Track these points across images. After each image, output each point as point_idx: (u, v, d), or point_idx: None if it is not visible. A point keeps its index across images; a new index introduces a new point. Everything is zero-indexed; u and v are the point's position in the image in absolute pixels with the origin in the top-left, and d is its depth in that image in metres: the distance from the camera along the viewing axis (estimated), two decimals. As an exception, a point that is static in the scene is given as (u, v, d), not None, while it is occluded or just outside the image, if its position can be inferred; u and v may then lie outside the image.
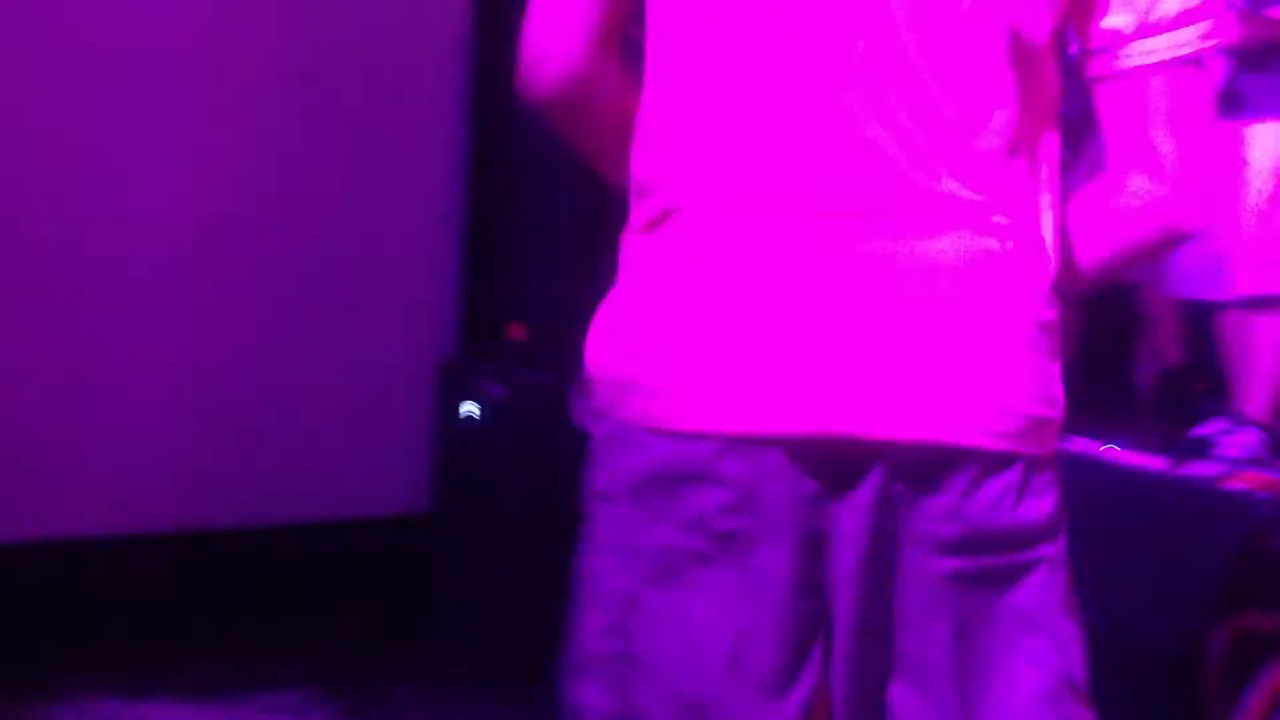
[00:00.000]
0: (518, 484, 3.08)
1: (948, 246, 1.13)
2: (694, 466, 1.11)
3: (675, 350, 1.13)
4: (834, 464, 1.11)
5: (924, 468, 1.12)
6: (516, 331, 3.35)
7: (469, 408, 3.22)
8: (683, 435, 1.11)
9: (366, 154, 3.30)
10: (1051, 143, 1.20)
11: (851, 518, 1.13)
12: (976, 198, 1.12)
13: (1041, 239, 1.17)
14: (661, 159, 1.17)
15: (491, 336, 3.39)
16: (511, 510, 3.09)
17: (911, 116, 1.13)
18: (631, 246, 1.18)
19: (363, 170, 3.28)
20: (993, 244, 1.14)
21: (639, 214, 1.18)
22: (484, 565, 3.18)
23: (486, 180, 3.43)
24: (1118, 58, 1.19)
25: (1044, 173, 1.19)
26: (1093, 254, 1.23)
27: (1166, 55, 1.17)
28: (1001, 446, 1.13)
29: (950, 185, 1.12)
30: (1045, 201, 1.19)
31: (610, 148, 1.22)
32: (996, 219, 1.14)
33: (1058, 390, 1.17)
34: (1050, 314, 1.17)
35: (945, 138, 1.13)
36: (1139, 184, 1.19)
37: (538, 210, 3.38)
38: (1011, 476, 1.13)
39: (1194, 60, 1.18)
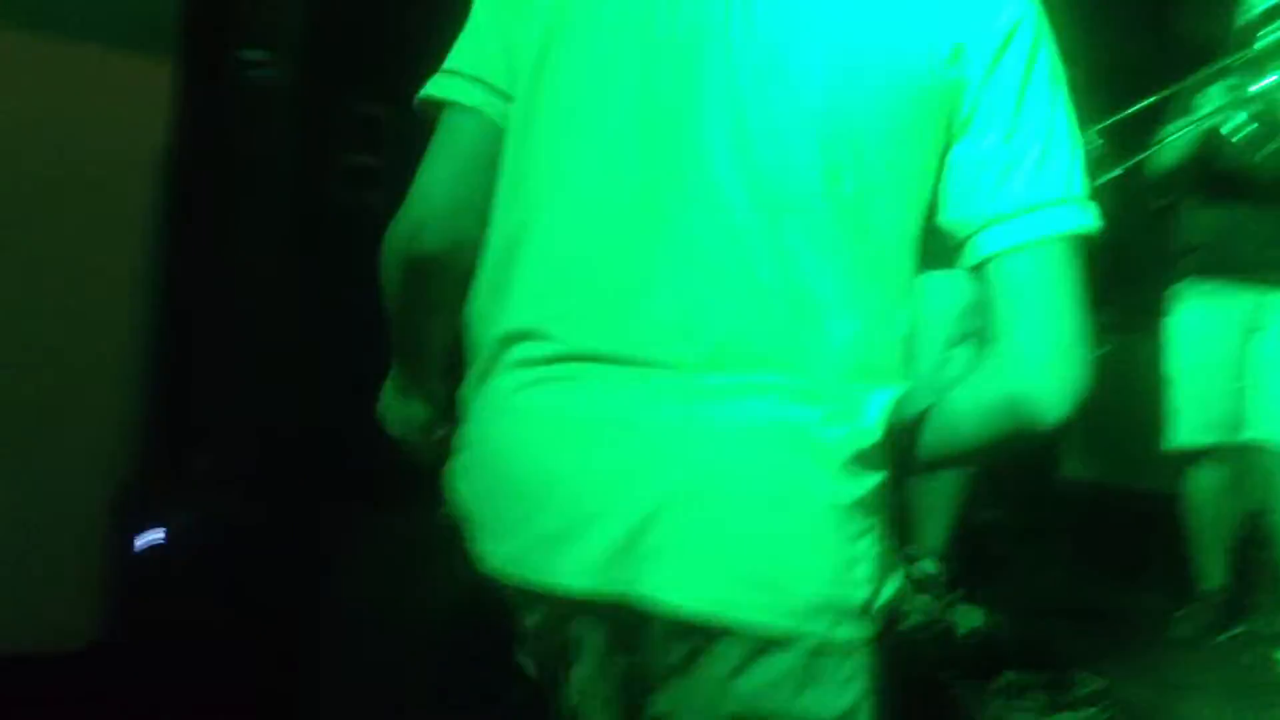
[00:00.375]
0: (201, 617, 2.93)
1: (749, 414, 1.09)
2: (514, 607, 1.17)
3: (492, 498, 1.16)
4: (622, 625, 1.11)
5: (701, 639, 1.09)
6: (203, 456, 3.21)
7: (149, 537, 3.06)
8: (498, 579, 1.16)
9: (47, 264, 3.15)
10: (905, 316, 1.15)
11: (637, 680, 1.14)
12: (792, 368, 1.10)
13: (865, 414, 1.11)
14: (500, 314, 1.18)
15: (176, 461, 3.25)
16: (194, 644, 2.94)
17: (731, 280, 1.10)
18: (472, 389, 1.22)
19: (42, 282, 3.12)
20: (799, 414, 1.09)
21: (480, 362, 1.21)
22: (163, 702, 3.01)
23: (177, 297, 3.32)
24: (973, 244, 1.13)
25: (886, 347, 1.13)
26: (947, 441, 1.17)
27: (1011, 243, 1.12)
28: (773, 626, 1.08)
29: (764, 353, 1.10)
30: (883, 375, 1.13)
31: (457, 303, 1.25)
32: (809, 390, 1.10)
33: (867, 571, 1.10)
34: (861, 492, 1.10)
35: (764, 304, 1.10)
36: (995, 375, 1.13)
37: (232, 329, 3.29)
38: (791, 660, 1.08)
39: (1050, 245, 1.12)
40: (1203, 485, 3.72)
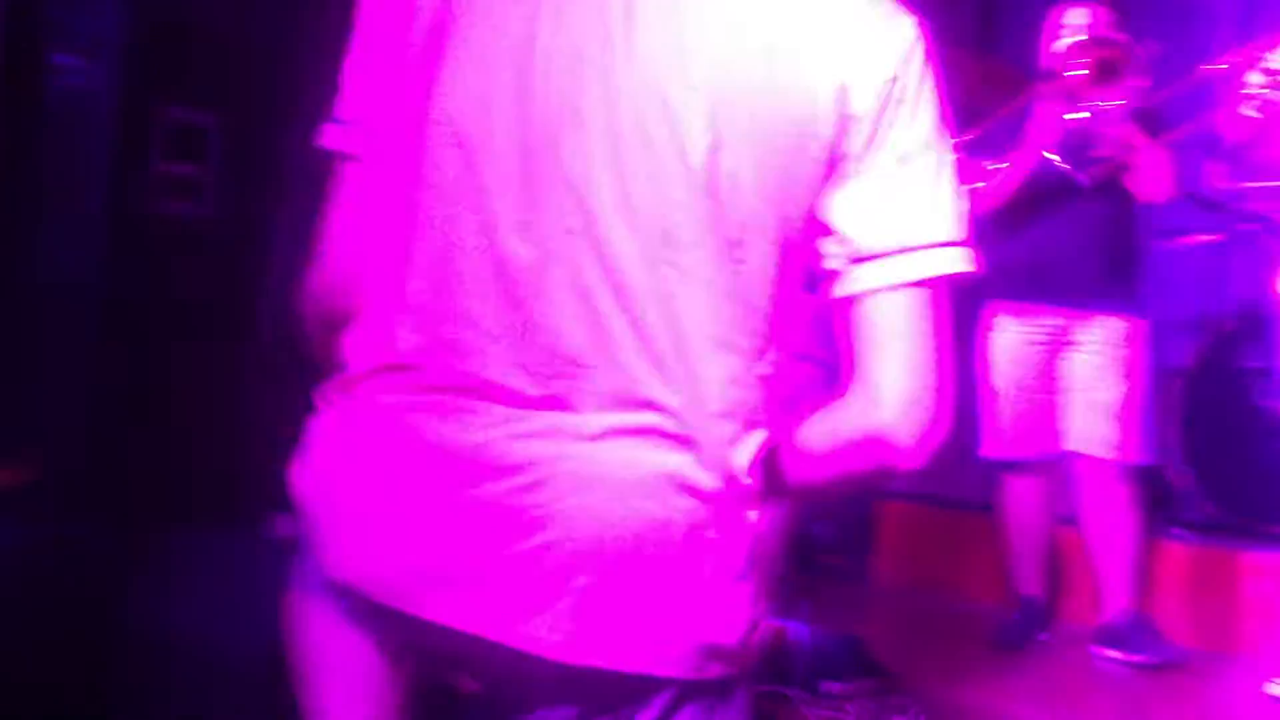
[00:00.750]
0: (15, 652, 2.79)
1: (627, 456, 1.08)
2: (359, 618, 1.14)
3: (359, 514, 1.12)
4: (489, 665, 1.09)
5: (573, 685, 1.07)
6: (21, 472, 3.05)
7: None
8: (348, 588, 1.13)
9: None
10: (781, 357, 1.14)
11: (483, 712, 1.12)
12: (668, 409, 1.09)
13: (740, 456, 1.11)
14: (371, 333, 1.16)
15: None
16: (13, 681, 2.79)
17: (608, 319, 1.09)
18: (334, 400, 1.18)
19: None
20: (676, 458, 1.08)
21: (344, 373, 1.18)
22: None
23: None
24: (845, 280, 1.12)
25: (759, 387, 1.13)
26: (806, 474, 1.15)
27: (886, 281, 1.11)
28: (649, 671, 1.07)
29: (641, 393, 1.08)
30: (753, 413, 1.13)
31: None
32: (686, 432, 1.09)
33: (742, 613, 1.09)
34: (738, 535, 1.10)
35: (640, 344, 1.09)
36: (858, 411, 1.13)
37: (48, 340, 3.15)
38: (663, 702, 1.08)
39: (923, 286, 1.12)
40: (1018, 495, 3.86)
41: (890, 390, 1.12)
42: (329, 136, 1.22)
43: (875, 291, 1.13)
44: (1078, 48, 3.57)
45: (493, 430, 1.08)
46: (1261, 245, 4.37)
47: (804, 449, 1.15)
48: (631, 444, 1.08)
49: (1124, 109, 3.52)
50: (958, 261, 1.14)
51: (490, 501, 1.07)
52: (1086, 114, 3.54)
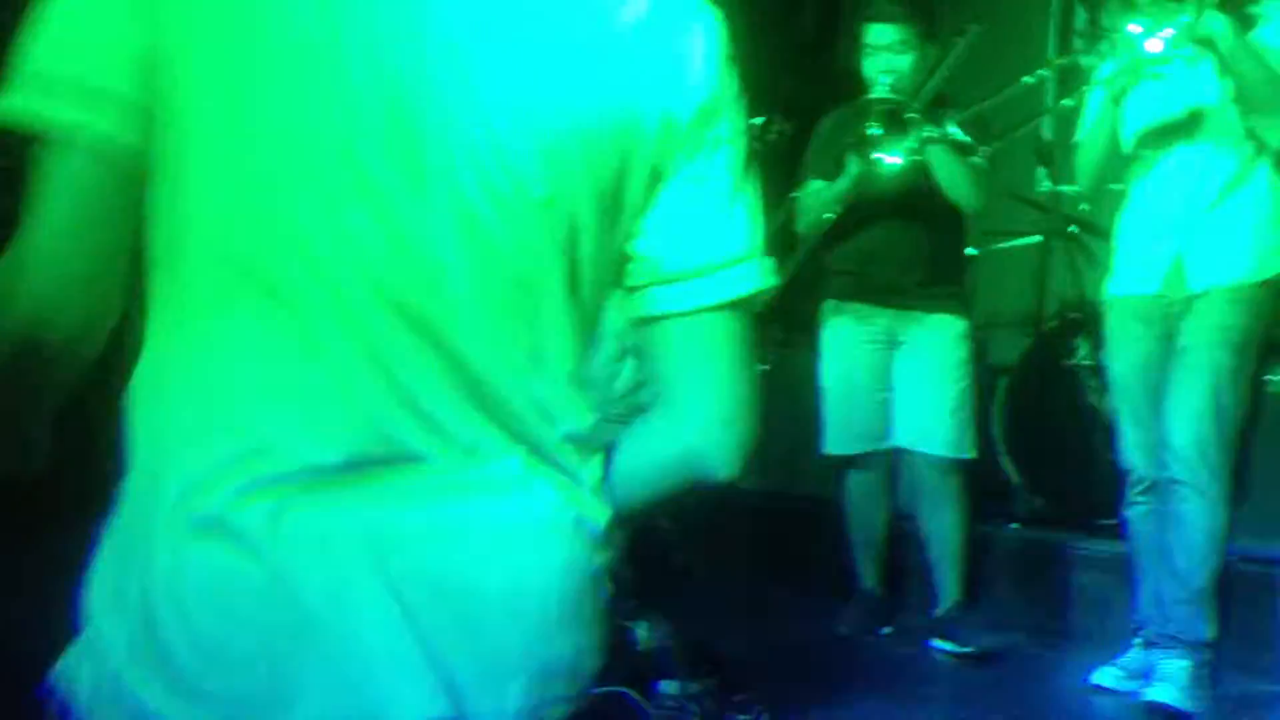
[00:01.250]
0: None
1: (516, 501, 1.04)
2: None
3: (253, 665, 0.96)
4: None
5: None
6: None
7: None
8: None
9: None
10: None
11: None
12: (538, 441, 1.05)
13: (595, 486, 1.09)
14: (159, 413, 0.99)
15: None
16: None
17: (471, 367, 1.03)
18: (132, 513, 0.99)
19: None
20: (555, 493, 1.05)
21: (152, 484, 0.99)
22: None
23: None
24: (651, 302, 1.10)
25: (592, 414, 1.11)
26: (627, 497, 1.13)
27: (693, 304, 1.10)
28: (563, 711, 1.04)
29: (511, 437, 1.04)
30: (601, 440, 1.11)
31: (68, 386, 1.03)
32: (553, 463, 1.06)
33: (607, 628, 1.09)
34: (604, 564, 1.09)
35: (504, 387, 1.04)
36: (669, 433, 1.12)
37: None
38: None
39: (729, 306, 1.11)
40: (855, 490, 3.93)
41: (703, 413, 1.11)
42: (40, 98, 0.95)
43: (682, 314, 1.11)
44: (868, 105, 3.70)
45: (382, 504, 1.00)
46: (1082, 246, 4.53)
47: (619, 472, 1.13)
48: (524, 490, 1.04)
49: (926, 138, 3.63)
50: (762, 279, 1.13)
51: (415, 581, 0.99)
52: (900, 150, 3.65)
